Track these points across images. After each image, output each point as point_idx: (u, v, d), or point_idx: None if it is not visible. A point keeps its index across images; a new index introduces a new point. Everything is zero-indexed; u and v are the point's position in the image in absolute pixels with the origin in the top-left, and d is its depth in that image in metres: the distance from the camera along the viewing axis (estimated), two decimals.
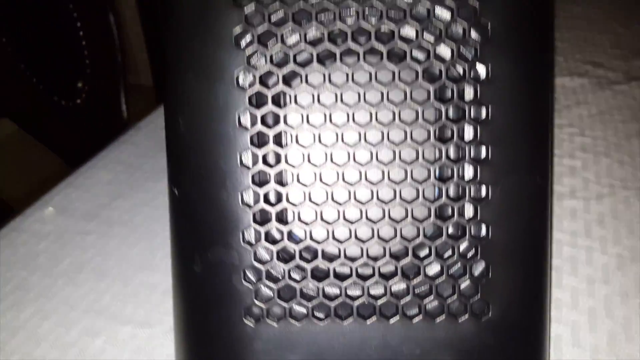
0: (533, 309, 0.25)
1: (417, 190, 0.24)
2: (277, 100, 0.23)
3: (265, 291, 0.24)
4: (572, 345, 0.34)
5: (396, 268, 0.24)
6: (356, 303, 0.24)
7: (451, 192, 0.24)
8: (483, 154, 0.23)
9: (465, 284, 0.24)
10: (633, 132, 0.53)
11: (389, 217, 0.24)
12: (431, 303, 0.24)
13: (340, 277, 0.24)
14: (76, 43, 0.69)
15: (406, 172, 0.24)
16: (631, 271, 0.39)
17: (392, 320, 0.24)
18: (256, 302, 0.24)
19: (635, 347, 0.34)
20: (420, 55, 0.23)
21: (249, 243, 0.24)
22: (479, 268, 0.24)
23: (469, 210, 0.24)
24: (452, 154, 0.24)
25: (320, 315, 0.24)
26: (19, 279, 0.40)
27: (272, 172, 0.24)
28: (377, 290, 0.24)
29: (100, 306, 0.37)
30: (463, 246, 0.24)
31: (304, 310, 0.24)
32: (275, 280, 0.24)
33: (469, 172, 0.24)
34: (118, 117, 0.76)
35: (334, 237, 0.24)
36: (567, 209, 0.45)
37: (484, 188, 0.24)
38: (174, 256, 0.26)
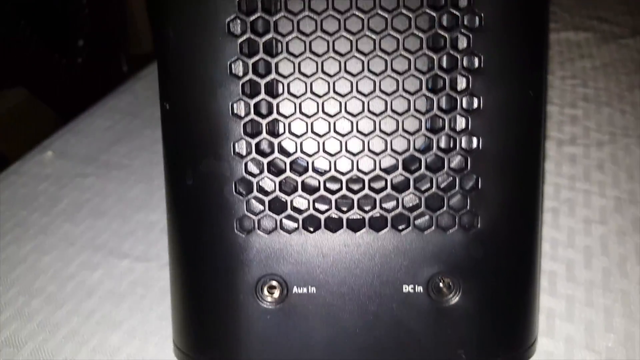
0: (523, 222, 0.25)
1: (409, 102, 0.23)
2: (268, 7, 0.23)
3: (256, 203, 0.24)
4: (566, 280, 0.34)
5: (386, 182, 0.24)
6: (346, 216, 0.24)
7: (443, 104, 0.24)
8: (476, 64, 0.23)
9: (455, 197, 0.24)
10: (636, 83, 0.52)
11: (380, 130, 0.24)
12: (420, 216, 0.24)
13: (331, 191, 0.24)
14: (76, 0, 0.69)
15: (398, 83, 0.23)
16: (629, 212, 0.39)
17: (381, 232, 0.24)
18: (247, 214, 0.24)
19: (630, 283, 0.34)
20: None
21: (240, 155, 0.24)
22: (469, 181, 0.24)
23: (460, 122, 0.24)
24: (444, 64, 0.23)
25: (311, 227, 0.25)
26: (19, 217, 0.41)
27: (262, 82, 0.23)
28: (367, 204, 0.24)
29: (98, 242, 0.38)
30: (454, 159, 0.24)
31: (294, 223, 0.25)
32: (265, 193, 0.24)
33: (461, 83, 0.23)
34: (120, 76, 0.76)
35: (324, 150, 0.24)
36: (566, 155, 0.44)
37: (475, 99, 0.23)
38: (167, 171, 0.26)
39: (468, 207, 0.24)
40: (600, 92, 0.51)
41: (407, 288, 0.25)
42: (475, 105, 0.23)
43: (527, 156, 0.24)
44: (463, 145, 0.24)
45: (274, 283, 0.25)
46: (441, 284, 0.25)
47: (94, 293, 0.34)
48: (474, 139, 0.24)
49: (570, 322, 0.31)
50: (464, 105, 0.23)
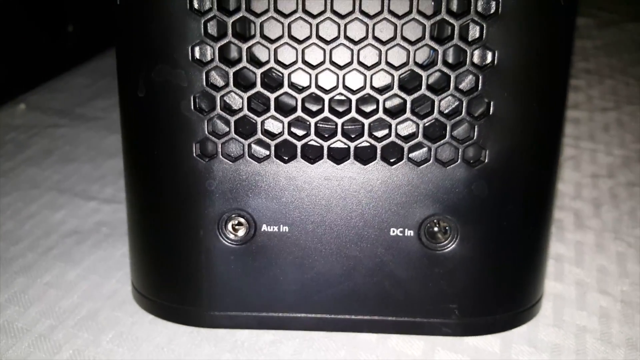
0: (538, 159, 0.19)
1: (410, 2, 0.18)
2: None
3: (220, 124, 0.19)
4: (575, 227, 0.30)
5: (377, 103, 0.19)
6: (327, 143, 0.19)
7: (454, 5, 0.18)
8: None
9: (460, 125, 0.19)
10: (639, 60, 0.48)
11: (373, 37, 0.18)
12: (416, 147, 0.19)
13: (310, 113, 0.19)
14: None
15: None
16: (637, 167, 0.34)
17: (368, 165, 0.19)
18: (209, 135, 0.19)
19: None
20: None
21: (200, 62, 0.19)
22: (478, 106, 0.18)
23: (473, 31, 0.18)
24: None
25: (285, 156, 0.19)
26: None
27: None
28: (353, 130, 0.19)
29: (65, 185, 0.34)
30: (462, 78, 0.18)
31: (265, 150, 0.19)
32: (231, 111, 0.19)
33: None
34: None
35: (303, 61, 0.19)
36: (569, 118, 0.41)
37: (493, 2, 0.18)
38: (119, 84, 0.20)
39: (475, 137, 0.19)
40: (602, 67, 0.48)
41: (395, 231, 0.19)
42: (493, 8, 0.18)
43: (550, 77, 0.19)
44: (475, 60, 0.18)
45: (241, 220, 0.20)
46: (436, 228, 0.20)
47: (54, 231, 0.30)
48: (489, 53, 0.18)
49: (581, 267, 0.26)
50: (479, 7, 0.18)
